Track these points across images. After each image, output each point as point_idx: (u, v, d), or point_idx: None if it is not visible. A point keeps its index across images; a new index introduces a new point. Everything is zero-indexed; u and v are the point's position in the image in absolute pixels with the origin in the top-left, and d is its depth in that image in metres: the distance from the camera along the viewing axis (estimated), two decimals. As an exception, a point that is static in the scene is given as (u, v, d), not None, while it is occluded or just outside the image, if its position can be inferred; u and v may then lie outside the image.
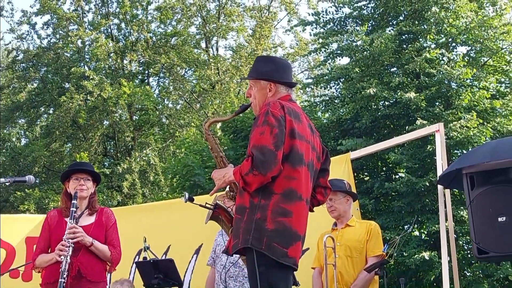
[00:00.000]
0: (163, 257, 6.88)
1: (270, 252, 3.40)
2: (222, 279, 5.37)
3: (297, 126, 3.60)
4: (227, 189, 3.82)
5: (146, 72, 24.73)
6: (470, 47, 16.15)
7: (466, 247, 14.67)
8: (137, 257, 7.12)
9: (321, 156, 3.90)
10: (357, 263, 5.40)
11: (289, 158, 3.52)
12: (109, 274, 6.81)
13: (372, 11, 16.94)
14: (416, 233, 15.20)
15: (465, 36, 15.58)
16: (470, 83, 15.38)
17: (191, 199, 4.16)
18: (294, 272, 3.74)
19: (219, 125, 18.71)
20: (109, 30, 23.99)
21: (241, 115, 4.11)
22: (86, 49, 23.35)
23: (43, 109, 23.99)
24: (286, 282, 3.52)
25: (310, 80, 19.07)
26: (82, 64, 23.28)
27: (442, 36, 15.91)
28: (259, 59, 4.05)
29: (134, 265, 6.93)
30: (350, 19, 17.11)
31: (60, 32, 23.54)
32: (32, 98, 23.22)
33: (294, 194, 3.52)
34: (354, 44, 16.06)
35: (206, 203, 4.04)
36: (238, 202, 3.63)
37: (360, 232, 5.52)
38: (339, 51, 16.59)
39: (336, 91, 17.88)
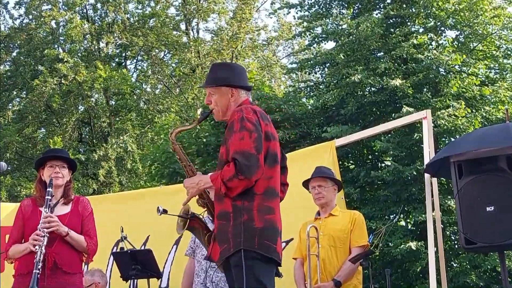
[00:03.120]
0: (142, 248, 6.88)
1: (263, 250, 3.64)
2: (204, 269, 5.38)
3: (270, 128, 3.86)
4: (197, 197, 3.97)
5: (123, 54, 24.58)
6: (459, 32, 16.22)
7: (453, 238, 14.83)
8: (115, 247, 7.10)
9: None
10: (340, 253, 5.44)
11: (266, 159, 3.77)
12: (86, 265, 6.83)
13: (359, -6, 16.95)
14: (402, 223, 15.34)
15: (454, 19, 15.64)
16: (459, 69, 15.47)
17: (164, 211, 4.21)
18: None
19: (199, 111, 18.70)
20: (85, 10, 23.78)
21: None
22: (60, 30, 23.14)
23: (15, 93, 23.77)
24: (270, 277, 3.72)
25: (294, 65, 19.04)
26: (56, 46, 23.08)
27: (431, 20, 15.96)
28: (216, 66, 4.26)
29: (112, 256, 6.92)
30: (336, 2, 17.11)
31: (33, 12, 23.29)
32: (3, 81, 23.00)
33: (273, 192, 3.80)
34: (339, 28, 16.07)
35: (183, 213, 4.09)
36: (218, 208, 3.81)
37: (344, 221, 5.56)
38: (324, 35, 16.58)
39: (321, 76, 17.91)
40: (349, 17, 15.93)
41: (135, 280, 5.88)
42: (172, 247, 7.19)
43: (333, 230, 5.51)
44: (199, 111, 18.75)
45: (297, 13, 17.61)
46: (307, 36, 17.45)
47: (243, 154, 3.63)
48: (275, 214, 3.75)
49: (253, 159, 3.63)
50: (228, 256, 3.69)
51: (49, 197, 4.73)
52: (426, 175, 6.25)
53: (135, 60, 25.18)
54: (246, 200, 3.68)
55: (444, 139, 14.85)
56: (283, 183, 4.09)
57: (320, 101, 15.69)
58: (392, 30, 15.82)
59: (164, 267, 7.01)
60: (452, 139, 13.80)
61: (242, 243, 3.61)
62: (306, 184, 5.75)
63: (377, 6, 16.73)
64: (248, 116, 3.76)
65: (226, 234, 3.69)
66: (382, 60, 15.28)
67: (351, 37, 15.30)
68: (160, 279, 6.73)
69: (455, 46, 15.82)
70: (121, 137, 22.06)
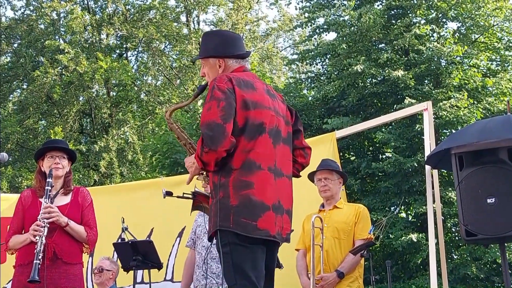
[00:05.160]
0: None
1: (240, 229, 3.41)
2: (204, 260, 5.38)
3: (251, 96, 3.58)
4: (204, 174, 3.78)
5: (124, 46, 24.55)
6: (460, 23, 16.21)
7: (454, 229, 14.86)
8: (119, 240, 7.11)
9: (291, 118, 3.90)
10: (344, 245, 5.45)
11: (245, 130, 3.52)
12: (90, 257, 6.84)
13: (361, -16, 16.91)
14: (403, 214, 15.35)
15: (455, 11, 15.62)
16: (460, 61, 15.46)
17: (169, 194, 4.12)
18: (278, 255, 3.76)
19: (200, 102, 18.65)
20: (85, 1, 23.75)
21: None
22: (61, 22, 23.11)
23: (16, 84, 23.76)
24: (252, 260, 3.49)
25: (295, 56, 19.01)
26: (57, 37, 23.06)
27: (432, 11, 15.94)
28: (205, 35, 3.98)
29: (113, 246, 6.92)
30: (338, -7, 17.08)
31: (34, 3, 23.27)
32: (4, 72, 22.99)
33: (253, 165, 3.50)
34: (341, 19, 16.05)
35: (184, 193, 4.01)
36: (210, 186, 3.64)
37: (349, 214, 5.57)
38: (325, 26, 16.57)
39: (322, 67, 17.90)
40: (351, 8, 15.90)
41: (137, 271, 5.87)
42: (176, 240, 7.18)
43: (338, 222, 5.51)
44: (200, 102, 18.71)
45: (298, 4, 17.59)
46: (309, 27, 17.43)
47: (208, 125, 3.41)
48: (254, 189, 3.46)
49: (218, 129, 3.39)
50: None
51: (49, 188, 4.73)
52: (427, 167, 6.23)
53: (135, 52, 25.17)
54: (222, 176, 3.48)
55: (445, 130, 14.85)
56: (301, 147, 3.90)
57: (321, 92, 15.69)
58: (393, 21, 15.81)
59: (168, 260, 7.01)
60: (454, 131, 13.79)
61: (218, 223, 3.44)
62: (311, 176, 5.74)
63: (379, -3, 16.71)
64: (219, 84, 3.52)
65: (211, 213, 3.55)
66: (384, 50, 15.29)
67: (353, 28, 15.29)
68: (165, 272, 6.75)
69: (457, 37, 15.80)
70: (122, 129, 22.07)
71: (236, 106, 3.51)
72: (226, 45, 3.81)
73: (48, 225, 4.63)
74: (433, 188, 6.15)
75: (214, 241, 3.56)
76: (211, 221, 3.52)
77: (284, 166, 3.70)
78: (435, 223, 6.11)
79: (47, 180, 4.76)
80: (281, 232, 3.60)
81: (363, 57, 14.78)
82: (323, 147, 6.73)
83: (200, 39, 22.67)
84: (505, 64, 16.66)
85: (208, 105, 3.48)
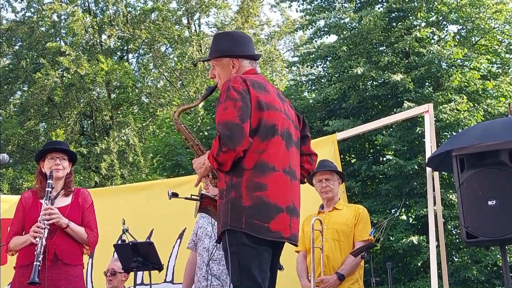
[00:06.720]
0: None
1: (252, 230, 3.40)
2: (205, 262, 5.37)
3: (264, 97, 3.59)
4: (210, 176, 3.77)
5: (125, 48, 24.55)
6: (461, 26, 16.21)
7: (454, 232, 14.83)
8: (119, 242, 7.11)
9: (298, 123, 3.90)
10: (344, 247, 5.43)
11: (258, 131, 3.52)
12: (90, 259, 6.83)
13: (361, -13, 16.92)
14: (404, 217, 15.34)
15: (456, 14, 15.63)
16: (461, 63, 15.46)
17: (175, 195, 4.11)
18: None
19: (201, 104, 18.64)
20: (86, 3, 23.76)
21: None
22: (62, 24, 23.12)
23: (17, 86, 23.76)
24: (259, 261, 3.48)
25: (296, 59, 19.01)
26: (58, 39, 23.06)
27: (433, 14, 15.95)
28: (217, 36, 3.99)
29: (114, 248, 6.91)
30: (339, -5, 17.08)
31: (35, 5, 23.28)
32: (5, 74, 22.99)
33: (266, 166, 3.50)
34: (342, 21, 16.05)
35: (192, 194, 3.99)
36: (218, 187, 3.63)
37: (348, 215, 5.55)
38: (326, 29, 16.57)
39: (323, 70, 17.89)
40: (351, 11, 15.90)
41: (137, 273, 5.86)
42: (176, 241, 7.17)
43: (337, 224, 5.49)
44: (201, 105, 18.73)
45: (299, 6, 17.59)
46: (309, 29, 17.43)
47: (226, 125, 3.41)
48: (268, 191, 3.46)
49: (236, 129, 3.39)
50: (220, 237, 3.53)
51: (50, 189, 4.73)
52: (428, 169, 6.22)
53: (137, 54, 25.18)
54: (235, 176, 3.47)
55: (446, 133, 14.84)
56: (309, 153, 3.90)
57: (322, 94, 15.68)
58: (394, 24, 15.81)
59: (168, 261, 6.99)
60: (454, 134, 13.79)
61: (229, 223, 3.41)
62: (310, 178, 5.70)
63: (380, 0, 16.70)
64: (234, 85, 3.52)
65: (220, 213, 3.52)
66: (384, 53, 15.29)
67: (353, 30, 15.29)
68: (165, 273, 6.73)
69: (457, 40, 15.81)
70: (123, 131, 22.07)
71: (251, 107, 3.51)
72: (239, 45, 3.82)
73: (49, 227, 4.62)
74: (434, 190, 6.14)
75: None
76: (220, 221, 3.50)
77: (297, 169, 3.72)
78: (436, 226, 6.09)
79: (48, 181, 4.76)
80: (296, 234, 3.61)
81: (364, 60, 14.78)
82: (324, 149, 6.72)
83: (201, 41, 22.82)
84: (506, 67, 16.66)
85: (224, 105, 3.48)
